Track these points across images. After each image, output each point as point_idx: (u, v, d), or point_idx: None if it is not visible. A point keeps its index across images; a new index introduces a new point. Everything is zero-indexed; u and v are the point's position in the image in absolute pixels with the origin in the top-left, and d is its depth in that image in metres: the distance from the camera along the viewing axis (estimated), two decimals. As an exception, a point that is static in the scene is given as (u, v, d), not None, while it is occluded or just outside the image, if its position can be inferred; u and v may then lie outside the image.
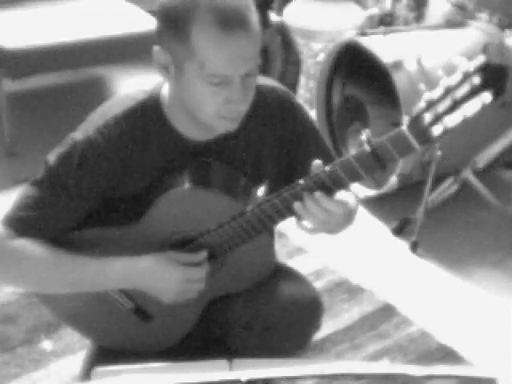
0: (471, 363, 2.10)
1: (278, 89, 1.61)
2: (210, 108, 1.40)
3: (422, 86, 1.20)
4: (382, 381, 1.05)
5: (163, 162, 1.52)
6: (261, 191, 1.56)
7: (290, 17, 3.35)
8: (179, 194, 1.49)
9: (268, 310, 1.67)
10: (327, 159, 1.59)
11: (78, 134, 1.49)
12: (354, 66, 2.86)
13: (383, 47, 2.62)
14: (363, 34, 2.71)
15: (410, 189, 2.76)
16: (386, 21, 3.27)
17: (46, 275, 1.52)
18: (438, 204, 2.73)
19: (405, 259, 2.58)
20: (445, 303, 2.37)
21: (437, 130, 1.20)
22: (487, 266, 2.57)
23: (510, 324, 2.27)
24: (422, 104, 1.20)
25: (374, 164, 1.29)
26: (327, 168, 1.34)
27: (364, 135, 1.29)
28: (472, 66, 1.15)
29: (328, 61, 2.87)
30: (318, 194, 1.34)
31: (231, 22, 1.33)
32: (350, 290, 2.39)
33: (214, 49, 1.33)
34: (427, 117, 1.20)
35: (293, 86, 3.27)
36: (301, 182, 1.37)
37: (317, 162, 1.36)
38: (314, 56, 3.24)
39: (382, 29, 2.88)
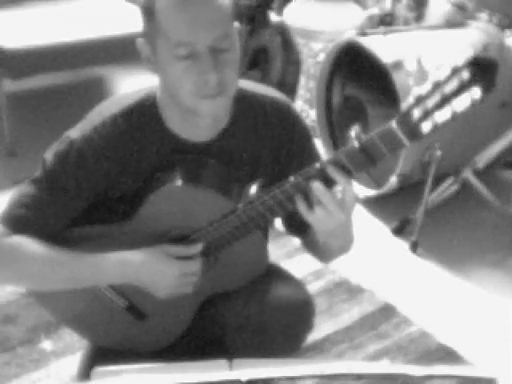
0: (471, 363, 2.10)
1: (279, 99, 1.60)
2: (185, 86, 1.40)
3: (410, 81, 1.19)
4: (381, 381, 1.05)
5: (159, 162, 1.52)
6: (253, 189, 1.56)
7: (290, 17, 3.35)
8: (170, 191, 1.49)
9: (260, 312, 1.67)
10: None
11: (75, 133, 1.50)
12: (354, 65, 2.86)
13: (383, 47, 2.62)
14: (363, 33, 2.71)
15: (410, 189, 2.76)
16: (385, 21, 3.28)
17: (42, 272, 1.52)
18: (438, 204, 2.73)
19: (405, 259, 2.58)
20: (445, 303, 2.37)
21: (426, 126, 1.19)
22: (487, 266, 2.57)
23: (510, 324, 2.27)
24: (410, 99, 1.20)
25: (364, 160, 1.29)
26: (317, 164, 1.33)
27: (353, 131, 1.28)
28: (460, 60, 1.14)
29: (328, 61, 2.87)
30: (316, 184, 1.32)
31: None
32: (349, 290, 2.39)
33: (173, 16, 1.36)
34: (416, 112, 1.19)
35: (293, 85, 3.27)
36: (291, 179, 1.37)
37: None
38: (314, 56, 3.24)
39: (381, 29, 2.88)
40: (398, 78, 2.52)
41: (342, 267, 2.50)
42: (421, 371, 1.04)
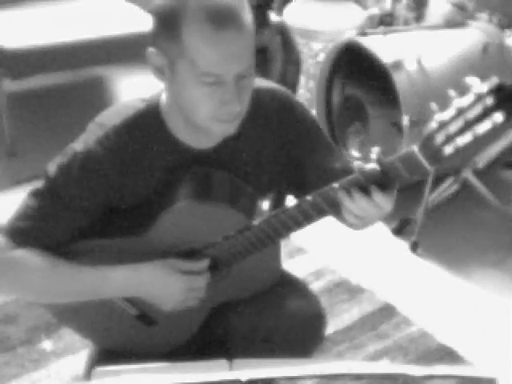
0: (471, 363, 2.10)
1: (276, 90, 1.59)
2: (205, 110, 1.38)
3: (433, 106, 1.18)
4: (381, 381, 1.05)
5: (165, 172, 1.51)
6: (265, 205, 1.56)
7: (290, 17, 3.34)
8: (185, 208, 1.48)
9: (270, 323, 1.65)
10: (332, 156, 1.58)
11: (78, 145, 1.47)
12: (354, 66, 2.86)
13: (383, 47, 2.62)
14: (363, 33, 2.71)
15: (410, 189, 2.74)
16: (386, 21, 3.27)
17: (46, 285, 1.50)
18: (438, 204, 2.73)
19: (405, 259, 2.58)
20: (445, 303, 2.37)
21: (448, 150, 1.19)
22: (487, 266, 2.57)
23: (510, 324, 2.27)
24: (433, 124, 1.19)
25: (384, 183, 1.29)
26: (335, 185, 1.33)
27: (374, 154, 1.28)
28: (485, 87, 1.14)
29: (328, 61, 2.87)
30: (356, 194, 1.31)
31: (223, 18, 1.31)
32: (349, 290, 2.39)
33: (205, 46, 1.32)
34: (439, 137, 1.19)
35: (293, 85, 3.27)
36: (308, 198, 1.37)
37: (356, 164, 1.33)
38: (314, 56, 3.24)
39: (381, 29, 2.87)
40: (398, 78, 2.52)
41: (342, 267, 2.50)
42: (421, 371, 1.03)
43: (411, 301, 2.36)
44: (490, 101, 1.13)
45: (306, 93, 3.29)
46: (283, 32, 3.24)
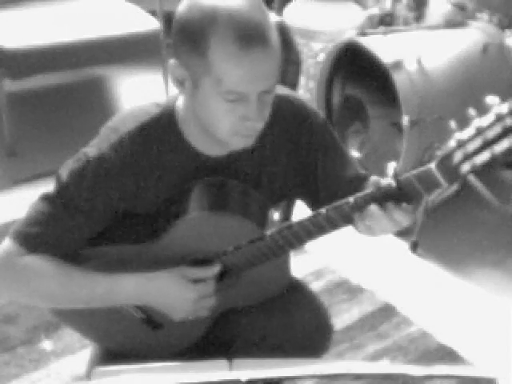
0: (471, 363, 2.11)
1: (291, 98, 1.58)
2: (226, 125, 1.38)
3: (452, 125, 1.20)
4: (381, 381, 1.06)
5: (179, 178, 1.50)
6: (276, 216, 1.56)
7: (290, 17, 3.35)
8: (198, 219, 1.48)
9: (278, 331, 1.64)
10: (345, 162, 1.58)
11: (92, 150, 1.46)
12: (354, 65, 2.86)
13: (383, 47, 2.62)
14: (363, 34, 2.71)
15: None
16: (386, 21, 3.27)
17: (57, 292, 1.49)
18: (438, 204, 2.73)
19: (405, 259, 2.58)
20: (445, 303, 2.38)
21: (465, 168, 1.21)
22: (487, 266, 2.57)
23: (510, 324, 2.27)
24: (452, 143, 1.21)
25: (399, 198, 1.31)
26: (351, 199, 1.34)
27: (391, 169, 1.30)
28: (505, 107, 1.16)
29: (328, 61, 2.87)
30: (372, 207, 1.33)
31: (251, 38, 1.30)
32: (350, 290, 2.39)
33: (232, 65, 1.31)
34: (457, 156, 1.21)
35: (293, 85, 3.27)
36: (323, 211, 1.37)
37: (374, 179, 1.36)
38: (314, 56, 3.23)
39: (381, 29, 2.88)
40: (398, 78, 2.52)
41: (342, 267, 2.50)
42: (421, 371, 1.04)
43: (411, 301, 2.36)
44: (510, 121, 1.15)
45: (306, 93, 3.29)
46: (283, 32, 3.23)
